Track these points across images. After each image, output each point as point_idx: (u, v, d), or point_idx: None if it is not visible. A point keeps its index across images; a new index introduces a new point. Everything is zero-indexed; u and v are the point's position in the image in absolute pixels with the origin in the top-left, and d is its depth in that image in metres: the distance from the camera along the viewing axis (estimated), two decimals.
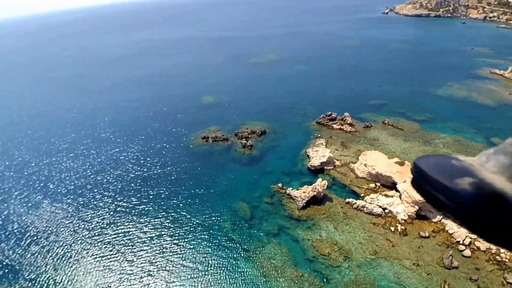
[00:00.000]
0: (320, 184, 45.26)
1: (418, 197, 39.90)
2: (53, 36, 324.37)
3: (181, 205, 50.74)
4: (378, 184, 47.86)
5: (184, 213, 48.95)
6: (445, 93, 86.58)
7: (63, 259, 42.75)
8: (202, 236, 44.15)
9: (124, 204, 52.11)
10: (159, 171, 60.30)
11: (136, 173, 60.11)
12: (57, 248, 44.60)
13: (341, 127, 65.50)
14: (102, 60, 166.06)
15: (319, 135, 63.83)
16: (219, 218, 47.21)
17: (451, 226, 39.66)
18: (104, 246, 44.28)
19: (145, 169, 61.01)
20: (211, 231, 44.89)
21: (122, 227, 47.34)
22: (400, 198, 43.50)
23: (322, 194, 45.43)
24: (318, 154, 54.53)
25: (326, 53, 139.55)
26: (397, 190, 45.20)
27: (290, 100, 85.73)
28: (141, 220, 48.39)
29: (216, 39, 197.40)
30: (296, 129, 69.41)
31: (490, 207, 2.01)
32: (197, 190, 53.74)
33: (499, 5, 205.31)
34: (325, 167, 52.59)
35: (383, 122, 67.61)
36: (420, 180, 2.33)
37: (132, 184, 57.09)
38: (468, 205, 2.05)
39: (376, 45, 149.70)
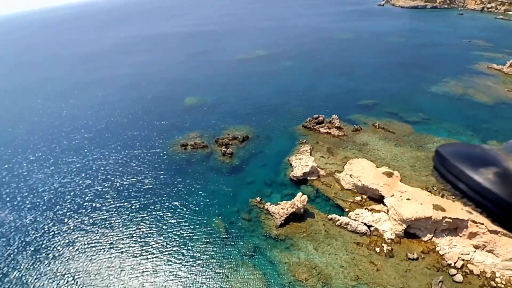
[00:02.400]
0: (300, 199, 41.37)
1: (406, 214, 36.09)
2: (30, 34, 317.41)
3: (152, 219, 47.16)
4: (365, 196, 43.99)
5: (154, 229, 45.41)
6: (440, 90, 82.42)
7: (20, 283, 39.15)
8: (171, 256, 40.59)
9: (91, 218, 48.70)
10: (133, 180, 56.59)
11: (108, 183, 56.40)
12: (14, 270, 40.97)
13: (329, 131, 61.42)
14: (78, 59, 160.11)
15: (304, 141, 59.73)
16: (191, 236, 43.55)
17: (442, 246, 35.89)
18: (64, 264, 40.97)
19: (117, 179, 57.27)
20: (181, 250, 41.30)
21: (84, 242, 44.13)
22: (388, 213, 39.64)
23: (302, 210, 41.55)
24: (301, 163, 50.55)
25: (318, 47, 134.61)
26: (385, 204, 41.31)
27: (276, 101, 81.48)
28: (107, 234, 45.12)
29: (202, 33, 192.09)
30: (281, 133, 65.30)
31: None
32: (171, 203, 50.06)
33: None
34: (309, 178, 48.65)
35: (374, 125, 63.50)
36: (441, 169, 2.22)
37: (103, 196, 53.50)
38: (492, 195, 1.91)
39: (370, 38, 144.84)
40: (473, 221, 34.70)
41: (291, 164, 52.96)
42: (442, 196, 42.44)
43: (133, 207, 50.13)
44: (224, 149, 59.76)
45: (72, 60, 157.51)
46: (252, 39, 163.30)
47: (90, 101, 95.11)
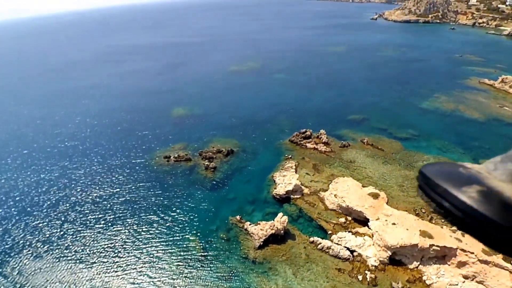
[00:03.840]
0: (280, 220, 39.00)
1: (391, 241, 33.83)
2: (22, 41, 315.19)
3: (125, 234, 44.62)
4: (349, 218, 41.71)
5: (127, 244, 42.88)
6: (431, 105, 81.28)
7: None
8: (140, 274, 37.95)
9: (62, 230, 46.12)
10: (111, 192, 54.06)
11: (85, 194, 53.84)
12: None
13: (316, 147, 59.42)
14: (62, 64, 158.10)
15: (290, 156, 57.62)
16: (165, 254, 40.92)
17: (429, 275, 33.58)
18: (29, 280, 38.21)
19: (95, 190, 54.70)
20: (152, 269, 38.65)
21: (53, 256, 41.45)
22: (372, 237, 37.36)
23: (282, 231, 39.15)
24: (284, 180, 48.31)
25: (310, 60, 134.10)
26: (370, 227, 39.05)
27: (265, 114, 79.57)
28: (75, 248, 42.49)
29: (196, 44, 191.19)
30: (267, 148, 63.13)
31: (498, 216, 1.93)
32: (147, 217, 47.48)
33: (488, 11, 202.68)
34: (292, 196, 46.36)
35: (362, 141, 61.65)
36: (426, 188, 2.26)
37: (77, 207, 50.94)
38: (476, 213, 1.97)
39: (362, 52, 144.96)
40: (462, 250, 32.57)
41: (274, 181, 50.70)
42: (431, 220, 40.40)
43: (107, 219, 47.66)
44: (207, 163, 57.39)
45: (59, 68, 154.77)
46: (245, 50, 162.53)
47: (74, 109, 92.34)
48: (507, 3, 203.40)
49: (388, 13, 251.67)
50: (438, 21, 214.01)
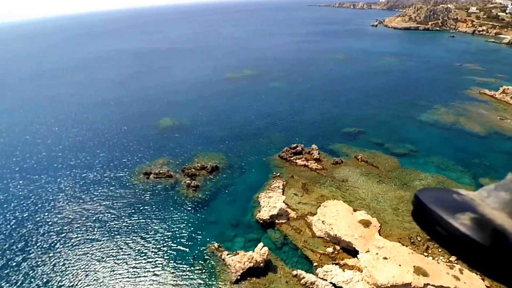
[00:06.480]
0: (260, 252, 35.20)
1: (381, 279, 29.97)
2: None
3: (91, 257, 40.93)
4: (338, 247, 37.85)
5: (90, 271, 38.92)
6: (430, 118, 77.64)
7: None
8: None
9: (23, 253, 42.24)
10: (82, 210, 50.34)
11: (53, 212, 50.17)
12: None
13: (306, 164, 55.71)
14: (46, 70, 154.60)
15: (278, 174, 53.85)
16: (130, 283, 36.93)
17: None
18: None
19: (65, 208, 50.99)
20: None
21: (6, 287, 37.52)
22: (361, 272, 33.47)
23: (262, 264, 35.29)
24: (269, 202, 44.53)
25: (307, 68, 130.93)
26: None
27: (256, 126, 75.96)
28: (30, 277, 38.45)
29: (191, 50, 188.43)
30: (255, 164, 59.39)
31: (490, 243, 1.98)
32: (118, 240, 43.71)
33: (488, 19, 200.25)
34: (277, 221, 42.54)
35: (356, 157, 57.91)
36: (420, 213, 2.32)
37: (44, 226, 47.09)
38: (468, 240, 2.02)
39: (361, 60, 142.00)
40: None
41: (259, 203, 46.90)
42: (427, 249, 36.58)
43: (73, 241, 44.00)
44: (189, 181, 53.69)
45: (43, 74, 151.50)
46: (242, 58, 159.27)
47: (52, 119, 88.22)
48: (507, 11, 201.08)
49: (389, 20, 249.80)
50: (438, 28, 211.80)
